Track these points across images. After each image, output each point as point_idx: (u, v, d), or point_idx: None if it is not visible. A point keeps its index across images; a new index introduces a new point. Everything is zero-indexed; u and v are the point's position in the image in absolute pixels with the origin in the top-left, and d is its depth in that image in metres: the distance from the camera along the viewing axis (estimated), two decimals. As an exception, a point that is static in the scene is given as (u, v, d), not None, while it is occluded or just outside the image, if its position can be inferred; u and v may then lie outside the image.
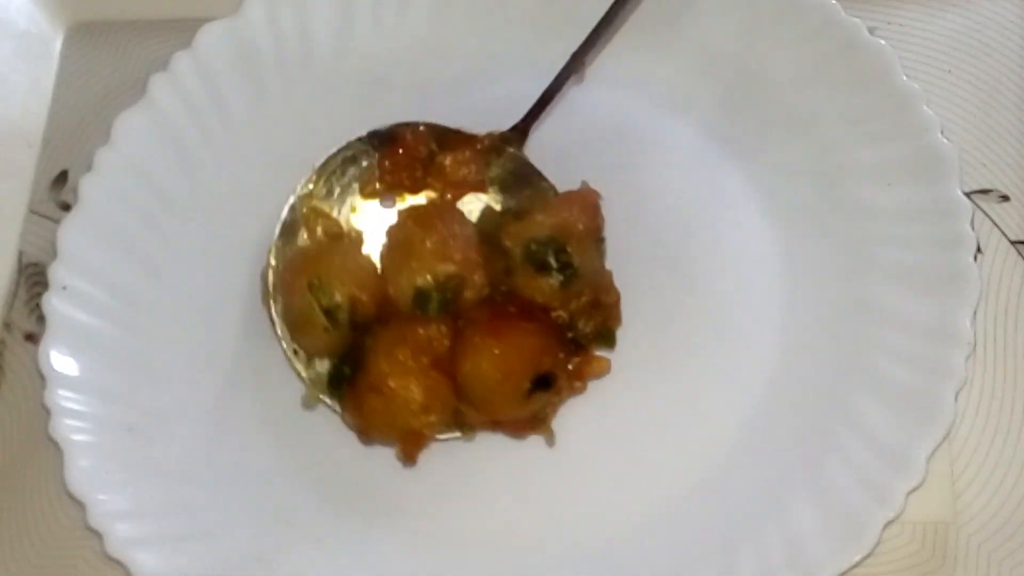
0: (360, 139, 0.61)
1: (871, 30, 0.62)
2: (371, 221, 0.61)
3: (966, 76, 0.65)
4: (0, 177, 0.68)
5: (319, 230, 0.60)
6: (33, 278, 0.65)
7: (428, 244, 0.56)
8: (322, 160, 0.60)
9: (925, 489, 0.54)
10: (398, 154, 0.60)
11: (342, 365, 0.57)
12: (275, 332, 0.59)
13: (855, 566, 0.53)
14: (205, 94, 0.64)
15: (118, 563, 0.55)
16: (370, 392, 0.55)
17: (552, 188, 0.61)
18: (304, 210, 0.60)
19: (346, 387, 0.57)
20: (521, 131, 0.62)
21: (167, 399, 0.60)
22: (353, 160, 0.61)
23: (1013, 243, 0.62)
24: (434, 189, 0.61)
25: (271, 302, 0.59)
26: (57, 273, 0.60)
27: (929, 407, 0.55)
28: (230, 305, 0.62)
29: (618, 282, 0.59)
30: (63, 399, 0.58)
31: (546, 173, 0.62)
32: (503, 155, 0.61)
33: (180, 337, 0.61)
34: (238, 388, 0.61)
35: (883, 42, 0.61)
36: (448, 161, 0.60)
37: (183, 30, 0.65)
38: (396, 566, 0.57)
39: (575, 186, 0.61)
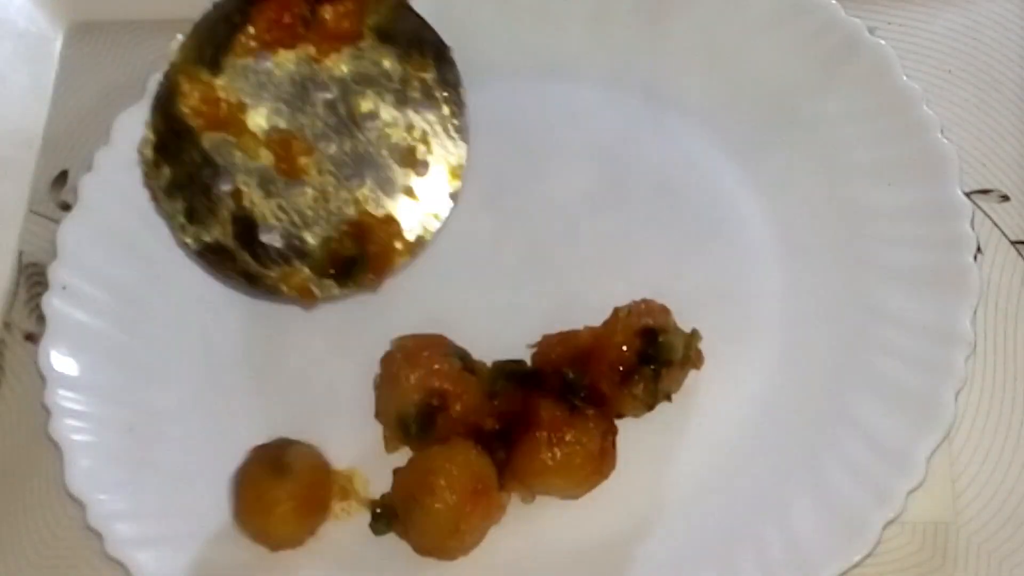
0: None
1: (871, 30, 0.62)
2: (246, 83, 0.59)
3: (966, 76, 0.65)
4: (0, 177, 0.68)
5: (195, 96, 0.58)
6: (33, 278, 0.65)
7: (412, 379, 0.56)
8: (192, 24, 0.58)
9: (925, 489, 0.54)
10: (274, 10, 0.58)
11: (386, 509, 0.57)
12: (161, 208, 0.58)
13: (855, 566, 0.53)
14: (205, 94, 0.64)
15: (118, 563, 0.55)
16: (443, 541, 0.55)
17: (430, 30, 0.59)
18: (176, 76, 0.58)
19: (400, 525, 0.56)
20: None
21: (167, 399, 0.60)
22: (226, 20, 0.58)
23: (1013, 243, 0.62)
24: (311, 42, 0.59)
25: (154, 179, 0.58)
26: (57, 273, 0.60)
27: (929, 407, 0.55)
28: (230, 305, 0.62)
29: (616, 279, 0.60)
30: (63, 399, 0.58)
31: (545, 174, 0.62)
32: (383, 3, 0.59)
33: (180, 337, 0.61)
34: (238, 388, 0.61)
35: (883, 42, 0.61)
36: (329, 15, 0.58)
37: (183, 30, 0.65)
38: (398, 567, 0.57)
39: (576, 184, 0.61)
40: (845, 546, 0.53)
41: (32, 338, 0.63)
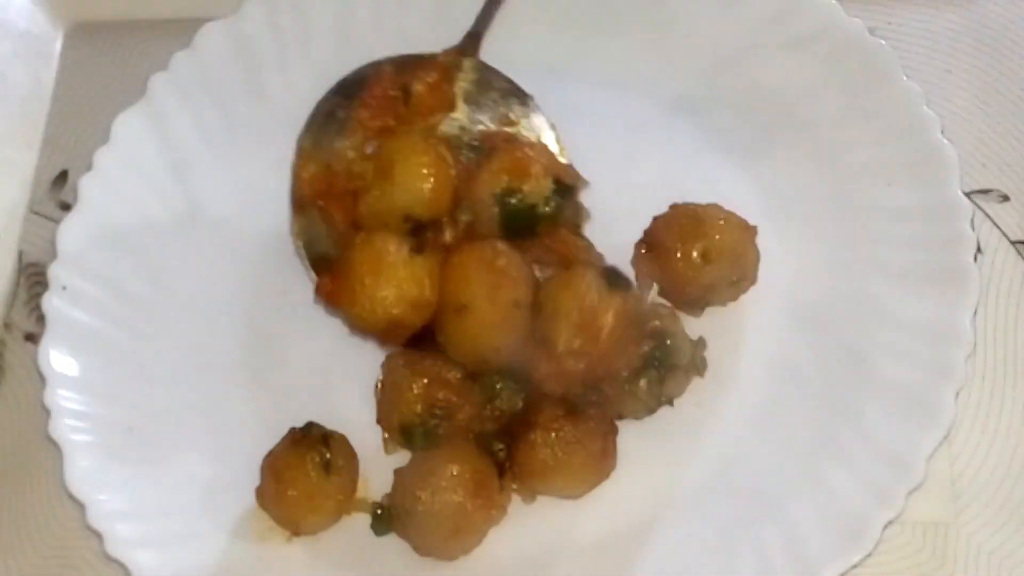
0: (331, 92, 0.61)
1: (871, 30, 0.62)
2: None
3: (966, 76, 0.65)
4: (0, 177, 0.68)
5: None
6: (33, 278, 0.65)
7: (415, 388, 0.56)
8: (303, 130, 0.61)
9: (925, 489, 0.54)
10: (374, 96, 0.60)
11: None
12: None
13: (855, 566, 0.53)
14: (205, 94, 0.64)
15: (118, 563, 0.55)
16: (444, 541, 0.55)
17: (512, 84, 0.62)
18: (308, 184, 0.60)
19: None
20: (475, 37, 0.63)
21: (167, 399, 0.60)
22: (331, 116, 0.61)
23: (1013, 243, 0.62)
24: (412, 122, 0.61)
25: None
26: (57, 273, 0.60)
27: (929, 407, 0.55)
28: (230, 305, 0.62)
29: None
30: (63, 399, 0.58)
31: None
32: (463, 68, 0.61)
33: (180, 337, 0.61)
34: (238, 389, 0.61)
35: (883, 42, 0.61)
36: (421, 89, 0.60)
37: (183, 30, 0.65)
38: (398, 567, 0.57)
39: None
40: (845, 546, 0.53)
41: (32, 338, 0.63)
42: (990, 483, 0.57)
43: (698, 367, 0.58)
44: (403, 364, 0.57)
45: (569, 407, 0.56)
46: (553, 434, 0.55)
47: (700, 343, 0.58)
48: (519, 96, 0.62)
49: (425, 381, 0.56)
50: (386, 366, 0.57)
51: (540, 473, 0.55)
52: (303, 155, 0.61)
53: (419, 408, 0.56)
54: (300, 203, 0.61)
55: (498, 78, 0.62)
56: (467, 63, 0.62)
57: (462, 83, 0.62)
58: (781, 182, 0.62)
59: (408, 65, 0.62)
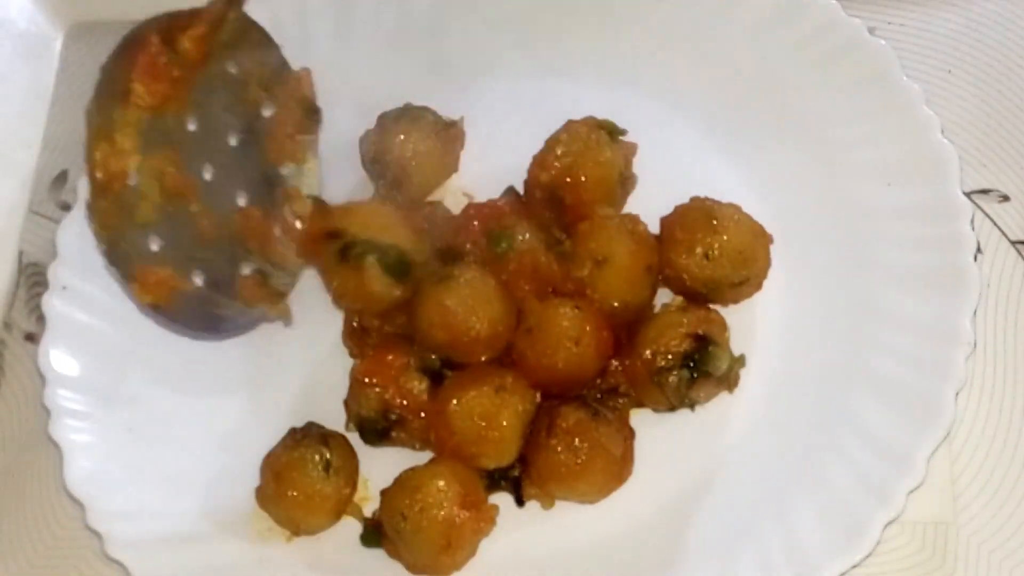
0: (112, 55, 0.59)
1: (871, 30, 0.62)
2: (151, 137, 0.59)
3: (966, 76, 0.65)
4: (0, 177, 0.68)
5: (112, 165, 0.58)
6: (33, 278, 0.65)
7: (376, 389, 0.57)
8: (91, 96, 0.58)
9: (925, 489, 0.54)
10: (144, 72, 0.59)
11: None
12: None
13: (855, 566, 0.53)
14: (205, 94, 0.64)
15: (118, 563, 0.55)
16: (435, 557, 0.55)
17: (274, 46, 0.62)
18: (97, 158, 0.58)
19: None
20: None
21: (167, 400, 0.60)
22: (112, 85, 0.59)
23: (1013, 243, 0.62)
24: (186, 81, 0.59)
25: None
26: (57, 273, 0.60)
27: (929, 407, 0.55)
28: (230, 305, 0.62)
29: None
30: (63, 399, 0.58)
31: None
32: (228, 20, 0.60)
33: (180, 337, 0.61)
34: (238, 388, 0.61)
35: (883, 42, 0.61)
36: (188, 45, 0.59)
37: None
38: (397, 567, 0.57)
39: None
40: (845, 546, 0.53)
41: (32, 338, 0.63)
42: (990, 483, 0.57)
43: (730, 382, 0.58)
44: (362, 366, 0.58)
45: (591, 412, 0.56)
46: (576, 439, 0.55)
47: (740, 360, 0.58)
48: (274, 49, 0.62)
49: (381, 382, 0.57)
50: (370, 358, 0.58)
51: (563, 479, 0.55)
52: (91, 127, 0.58)
53: (375, 405, 0.57)
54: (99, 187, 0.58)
55: (257, 31, 0.61)
56: (231, 15, 0.60)
57: (223, 34, 0.60)
58: (780, 182, 0.62)
59: (175, 22, 0.59)
